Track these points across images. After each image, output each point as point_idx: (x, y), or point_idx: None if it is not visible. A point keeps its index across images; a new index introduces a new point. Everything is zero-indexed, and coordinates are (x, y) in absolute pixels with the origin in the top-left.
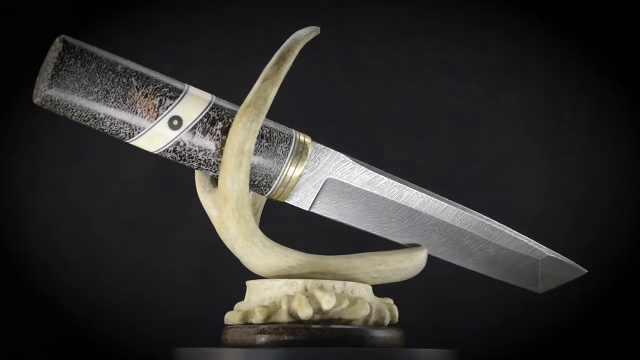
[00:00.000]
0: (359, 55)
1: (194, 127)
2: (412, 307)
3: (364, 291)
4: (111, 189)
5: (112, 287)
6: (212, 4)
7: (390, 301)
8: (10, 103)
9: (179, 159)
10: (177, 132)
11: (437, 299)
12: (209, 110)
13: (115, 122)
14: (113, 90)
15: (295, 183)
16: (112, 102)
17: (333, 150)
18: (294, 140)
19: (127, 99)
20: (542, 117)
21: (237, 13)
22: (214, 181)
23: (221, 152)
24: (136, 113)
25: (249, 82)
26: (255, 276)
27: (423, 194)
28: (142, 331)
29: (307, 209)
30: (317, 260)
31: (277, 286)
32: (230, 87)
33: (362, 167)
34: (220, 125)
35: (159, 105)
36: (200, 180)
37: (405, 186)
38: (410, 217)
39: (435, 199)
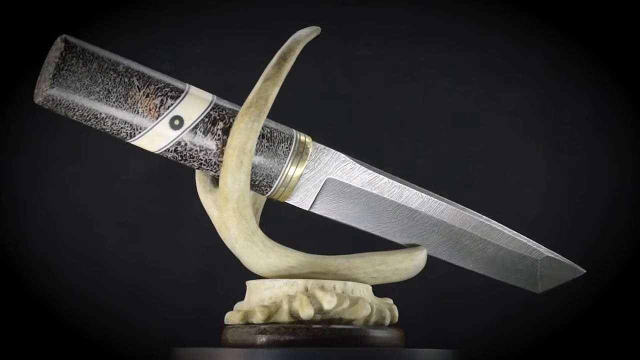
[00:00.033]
0: (359, 55)
1: (195, 127)
2: (412, 307)
3: (364, 291)
4: (111, 189)
5: (112, 287)
6: (212, 4)
7: (390, 301)
8: (10, 103)
9: (180, 158)
10: (178, 132)
11: (437, 299)
12: (210, 110)
13: (117, 122)
14: (114, 90)
15: (295, 183)
16: (114, 102)
17: (333, 150)
18: (294, 140)
19: (129, 99)
20: (542, 117)
21: (237, 13)
22: (215, 181)
23: (222, 152)
24: (137, 113)
25: (249, 82)
26: (255, 276)
27: (423, 194)
28: (142, 331)
29: (307, 209)
30: (317, 260)
31: (277, 286)
32: (230, 87)
33: (362, 167)
34: (221, 125)
35: (160, 105)
36: (201, 180)
37: (405, 186)
38: (410, 217)
39: (435, 199)
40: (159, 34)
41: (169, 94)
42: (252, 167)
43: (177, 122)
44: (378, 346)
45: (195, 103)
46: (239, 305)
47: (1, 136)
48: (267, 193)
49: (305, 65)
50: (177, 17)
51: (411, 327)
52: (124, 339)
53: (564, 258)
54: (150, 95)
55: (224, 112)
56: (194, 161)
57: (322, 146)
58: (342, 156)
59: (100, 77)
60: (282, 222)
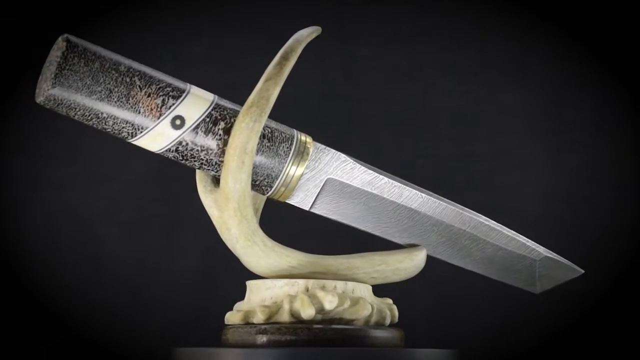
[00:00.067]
0: (359, 55)
1: (197, 127)
2: (412, 307)
3: (365, 291)
4: (111, 189)
5: (112, 287)
6: (212, 4)
7: (390, 301)
8: (10, 103)
9: (181, 158)
10: (179, 132)
11: (437, 299)
12: (211, 110)
13: (118, 122)
14: (116, 89)
15: (296, 183)
16: (115, 102)
17: (334, 150)
18: (295, 140)
19: (130, 99)
20: (542, 117)
21: (237, 13)
22: (215, 181)
23: (223, 152)
24: (139, 112)
25: (249, 82)
26: (255, 276)
27: (422, 194)
28: (142, 331)
29: (307, 209)
30: (317, 260)
31: (278, 286)
32: (230, 87)
33: (363, 167)
34: (222, 125)
35: (162, 105)
36: (202, 180)
37: (404, 186)
38: (410, 217)
39: (435, 199)
40: (159, 34)
41: (171, 93)
42: (253, 167)
43: (178, 122)
44: (378, 346)
45: (196, 103)
46: (239, 305)
47: (1, 136)
48: (267, 193)
49: (305, 65)
50: (177, 17)
51: (411, 327)
52: (124, 339)
53: (562, 258)
54: (151, 95)
55: (225, 112)
56: (195, 161)
57: (323, 146)
58: (343, 156)
59: (102, 76)
60: (282, 222)
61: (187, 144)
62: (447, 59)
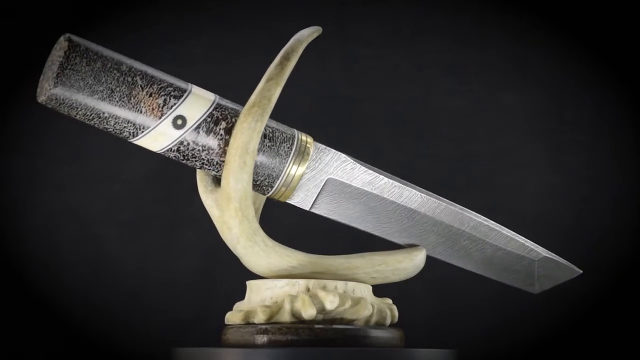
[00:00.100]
0: (360, 55)
1: (198, 127)
2: (412, 307)
3: (365, 291)
4: (111, 189)
5: (112, 287)
6: (212, 4)
7: (389, 301)
8: (10, 103)
9: (182, 158)
10: (181, 132)
11: (436, 299)
12: (213, 109)
13: (120, 121)
14: (118, 89)
15: (297, 183)
16: (117, 101)
17: (334, 151)
18: (296, 140)
19: (132, 98)
20: (542, 117)
21: (237, 13)
22: (216, 181)
23: (224, 152)
24: (141, 112)
25: (249, 82)
26: (255, 276)
27: (422, 194)
28: (142, 331)
29: (307, 209)
30: (318, 260)
31: (279, 286)
32: (230, 87)
33: (363, 167)
34: (223, 125)
35: (164, 105)
36: (202, 180)
37: (404, 186)
38: (410, 217)
39: (434, 199)
40: (159, 34)
41: (172, 93)
42: (254, 167)
43: (179, 122)
44: (379, 346)
45: (198, 103)
46: (239, 305)
47: (1, 136)
48: (268, 193)
49: (305, 65)
50: (177, 17)
51: (411, 327)
52: (124, 339)
53: (560, 258)
54: (153, 95)
55: (226, 112)
56: (196, 161)
57: (323, 146)
58: (343, 156)
59: (104, 76)
60: (282, 222)
61: (188, 144)
62: (447, 59)
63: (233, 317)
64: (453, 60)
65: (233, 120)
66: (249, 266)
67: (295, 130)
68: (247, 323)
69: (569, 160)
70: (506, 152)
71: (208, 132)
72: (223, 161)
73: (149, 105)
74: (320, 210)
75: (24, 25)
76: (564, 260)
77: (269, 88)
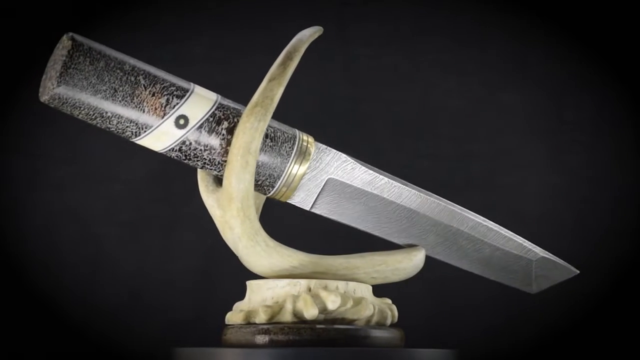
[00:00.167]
0: (360, 55)
1: (200, 127)
2: (412, 307)
3: (366, 291)
4: (111, 189)
5: (111, 288)
6: (212, 4)
7: (389, 301)
8: (10, 103)
9: (184, 158)
10: (183, 131)
11: (437, 299)
12: (215, 109)
13: (122, 121)
14: (121, 88)
15: (298, 183)
16: (120, 101)
17: (335, 151)
18: (297, 140)
19: (135, 98)
20: (542, 117)
21: (237, 13)
22: (217, 181)
23: (226, 152)
24: (143, 112)
25: (249, 82)
26: (254, 276)
27: (421, 194)
28: (142, 331)
29: (308, 209)
30: (318, 260)
31: (280, 286)
32: (230, 87)
33: (363, 167)
34: (225, 124)
35: (166, 104)
36: (203, 180)
37: (404, 186)
38: (409, 217)
39: (434, 200)
40: (159, 34)
41: (175, 93)
42: (256, 167)
43: (182, 122)
44: (380, 346)
45: (200, 102)
46: (239, 305)
47: (1, 136)
48: (269, 193)
49: (306, 65)
50: (177, 17)
51: (411, 327)
52: (123, 339)
53: (558, 258)
54: (156, 95)
55: (228, 112)
56: (197, 160)
57: (324, 146)
58: (344, 156)
59: (107, 75)
60: (282, 222)
61: (190, 144)
62: (447, 59)
63: (234, 317)
64: (453, 60)
65: (235, 120)
66: (250, 266)
67: (297, 130)
68: (248, 323)
69: (569, 160)
70: (506, 152)
71: (210, 131)
72: (225, 161)
73: (152, 105)
74: (320, 210)
75: (23, 25)
76: (561, 260)
77: (272, 88)
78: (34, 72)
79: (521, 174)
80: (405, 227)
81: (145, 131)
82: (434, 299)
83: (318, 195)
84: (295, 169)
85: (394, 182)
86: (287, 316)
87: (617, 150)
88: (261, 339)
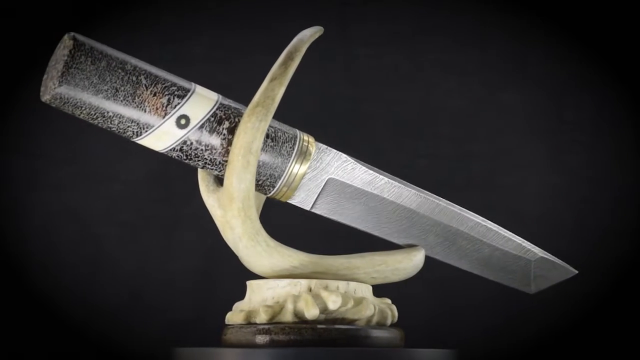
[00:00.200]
0: (360, 55)
1: (201, 126)
2: (412, 307)
3: (366, 291)
4: (111, 189)
5: (111, 288)
6: (212, 4)
7: (389, 301)
8: (10, 103)
9: (185, 158)
10: (184, 131)
11: (437, 299)
12: (216, 109)
13: (124, 121)
14: (122, 88)
15: (298, 183)
16: (121, 101)
17: (335, 150)
18: (298, 140)
19: (136, 98)
20: (542, 117)
21: (237, 13)
22: (218, 180)
23: (227, 152)
24: (145, 111)
25: (249, 82)
26: (254, 276)
27: (421, 194)
28: (142, 331)
29: (308, 209)
30: (319, 260)
31: (280, 286)
32: (230, 87)
33: (363, 168)
34: (227, 124)
35: (167, 104)
36: (204, 180)
37: (404, 187)
38: (409, 217)
39: (433, 200)
40: (159, 34)
41: (176, 93)
42: (257, 167)
43: (183, 121)
44: (381, 346)
45: (201, 102)
46: (239, 305)
47: (1, 136)
48: (270, 193)
49: (306, 65)
50: (177, 17)
51: (411, 327)
52: (124, 339)
53: (557, 259)
54: (157, 94)
55: (229, 112)
56: (198, 160)
57: (324, 146)
58: (344, 156)
59: (109, 75)
60: (282, 222)
61: (191, 144)
62: (447, 59)
63: (234, 317)
64: (453, 60)
65: (236, 120)
66: (250, 266)
67: (297, 130)
68: (249, 323)
69: (569, 160)
70: (506, 152)
71: (211, 131)
72: (226, 161)
73: (153, 105)
74: (320, 210)
75: (23, 25)
76: (560, 261)
77: (273, 88)
78: (34, 72)
79: (521, 174)
80: (405, 227)
81: (146, 131)
82: (433, 299)
83: (318, 195)
84: (296, 168)
85: (394, 182)
86: (288, 316)
87: (617, 150)
88: (262, 339)
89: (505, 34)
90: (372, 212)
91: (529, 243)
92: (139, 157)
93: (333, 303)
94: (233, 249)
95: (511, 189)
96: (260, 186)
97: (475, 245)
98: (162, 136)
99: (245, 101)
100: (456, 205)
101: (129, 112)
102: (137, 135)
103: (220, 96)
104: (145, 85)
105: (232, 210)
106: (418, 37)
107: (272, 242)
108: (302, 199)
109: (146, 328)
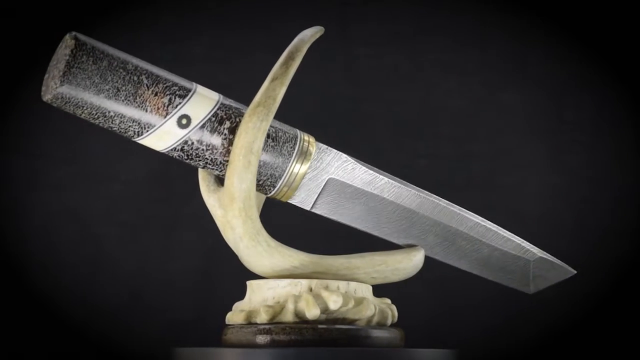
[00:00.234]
0: (360, 55)
1: (203, 126)
2: (412, 307)
3: (366, 291)
4: (111, 189)
5: (111, 288)
6: (212, 4)
7: (388, 301)
8: (10, 103)
9: (185, 157)
10: (185, 131)
11: (436, 299)
12: (217, 109)
13: (125, 120)
14: (124, 88)
15: (299, 183)
16: (123, 100)
17: (335, 150)
18: (298, 140)
19: (138, 97)
20: (542, 117)
21: (237, 13)
22: (218, 180)
23: (228, 151)
24: (146, 111)
25: (249, 82)
26: (254, 276)
27: (421, 194)
28: (142, 331)
29: (308, 209)
30: (319, 260)
31: (281, 286)
32: (230, 87)
33: (363, 168)
34: (228, 124)
35: (169, 104)
36: (204, 180)
37: (403, 187)
38: (408, 218)
39: (433, 200)
40: (159, 34)
41: (177, 92)
42: (258, 167)
43: (184, 121)
44: (382, 346)
45: (202, 102)
46: (238, 305)
47: (1, 136)
48: (270, 193)
49: (306, 65)
50: (177, 17)
51: (411, 327)
52: (124, 339)
53: (555, 259)
54: (158, 94)
55: (230, 112)
56: (199, 160)
57: (325, 146)
58: (344, 156)
59: (110, 75)
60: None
61: (192, 143)
62: (447, 59)
63: (234, 317)
64: (453, 60)
65: (237, 119)
66: (250, 266)
67: (298, 130)
68: (249, 323)
69: (569, 160)
70: (506, 152)
71: (212, 131)
72: (227, 161)
73: (155, 105)
74: (320, 210)
75: (23, 25)
76: (559, 261)
77: (274, 88)
78: (34, 72)
79: (521, 174)
80: (405, 227)
81: (147, 131)
82: (433, 299)
83: (318, 195)
84: (297, 168)
85: (393, 182)
86: (288, 316)
87: (617, 150)
88: (262, 339)
89: (505, 34)
90: (372, 212)
91: (528, 243)
92: (139, 157)
93: (334, 303)
94: (233, 249)
95: (511, 189)
96: (260, 186)
97: (474, 245)
98: (163, 136)
99: (246, 101)
100: (456, 206)
101: (131, 111)
102: (138, 135)
103: (221, 96)
104: (146, 85)
105: (233, 210)
106: (418, 37)
107: (273, 242)
108: (303, 199)
109: (146, 328)
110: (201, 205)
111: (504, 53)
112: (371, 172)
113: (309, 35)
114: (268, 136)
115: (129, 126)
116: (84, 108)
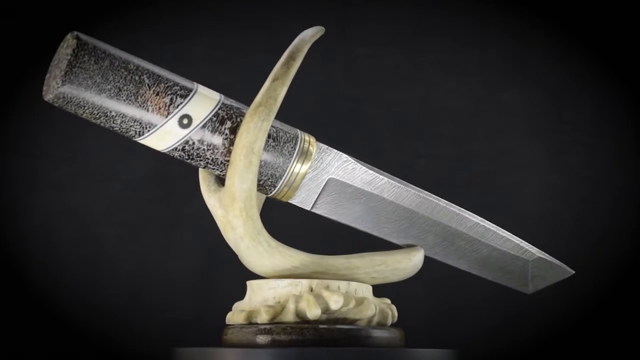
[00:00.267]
0: (361, 55)
1: (204, 126)
2: (411, 307)
3: (367, 291)
4: (111, 189)
5: (111, 288)
6: (212, 4)
7: (388, 301)
8: (10, 103)
9: (186, 157)
10: (187, 131)
11: (436, 299)
12: (218, 109)
13: (126, 120)
14: (125, 87)
15: (299, 183)
16: (124, 100)
17: (335, 150)
18: (299, 139)
19: (139, 97)
20: (542, 117)
21: (237, 13)
22: (219, 180)
23: (229, 151)
24: (147, 111)
25: (249, 82)
26: (254, 276)
27: (421, 194)
28: (142, 331)
29: (308, 209)
30: (319, 260)
31: (281, 286)
32: (230, 87)
33: (363, 168)
34: (229, 124)
35: (170, 104)
36: (205, 179)
37: (404, 187)
38: (408, 217)
39: (432, 200)
40: (159, 34)
41: (179, 92)
42: (258, 167)
43: (185, 121)
44: (382, 346)
45: (203, 102)
46: (239, 305)
47: (1, 136)
48: (271, 193)
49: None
50: (177, 17)
51: (411, 327)
52: (124, 339)
53: (554, 259)
54: (160, 94)
55: (231, 112)
56: (200, 160)
57: (325, 146)
58: (344, 156)
59: (112, 74)
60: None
61: (193, 143)
62: (447, 59)
63: (235, 317)
64: (453, 60)
65: (238, 119)
66: (251, 266)
67: (298, 130)
68: (250, 323)
69: (569, 160)
70: (506, 152)
71: (213, 131)
72: (228, 161)
73: (156, 104)
74: (320, 210)
75: (23, 25)
76: (557, 261)
77: (275, 88)
78: (35, 72)
79: (521, 174)
80: (405, 227)
81: (148, 130)
82: (433, 299)
83: (319, 195)
84: (297, 168)
85: (393, 182)
86: (289, 316)
87: (617, 150)
88: (263, 339)
89: (505, 34)
90: (372, 212)
91: (526, 243)
92: (140, 156)
93: (335, 303)
94: (234, 249)
95: (511, 189)
96: (261, 186)
97: (473, 245)
98: (164, 136)
99: (246, 101)
100: (455, 206)
101: (132, 111)
102: (140, 135)
103: (223, 96)
104: (148, 84)
105: (233, 210)
106: (418, 37)
107: (274, 242)
108: (303, 199)
109: (146, 328)
110: (201, 205)
111: (504, 53)
112: (371, 172)
113: (310, 35)
114: (269, 136)
115: (130, 126)
116: (86, 108)
